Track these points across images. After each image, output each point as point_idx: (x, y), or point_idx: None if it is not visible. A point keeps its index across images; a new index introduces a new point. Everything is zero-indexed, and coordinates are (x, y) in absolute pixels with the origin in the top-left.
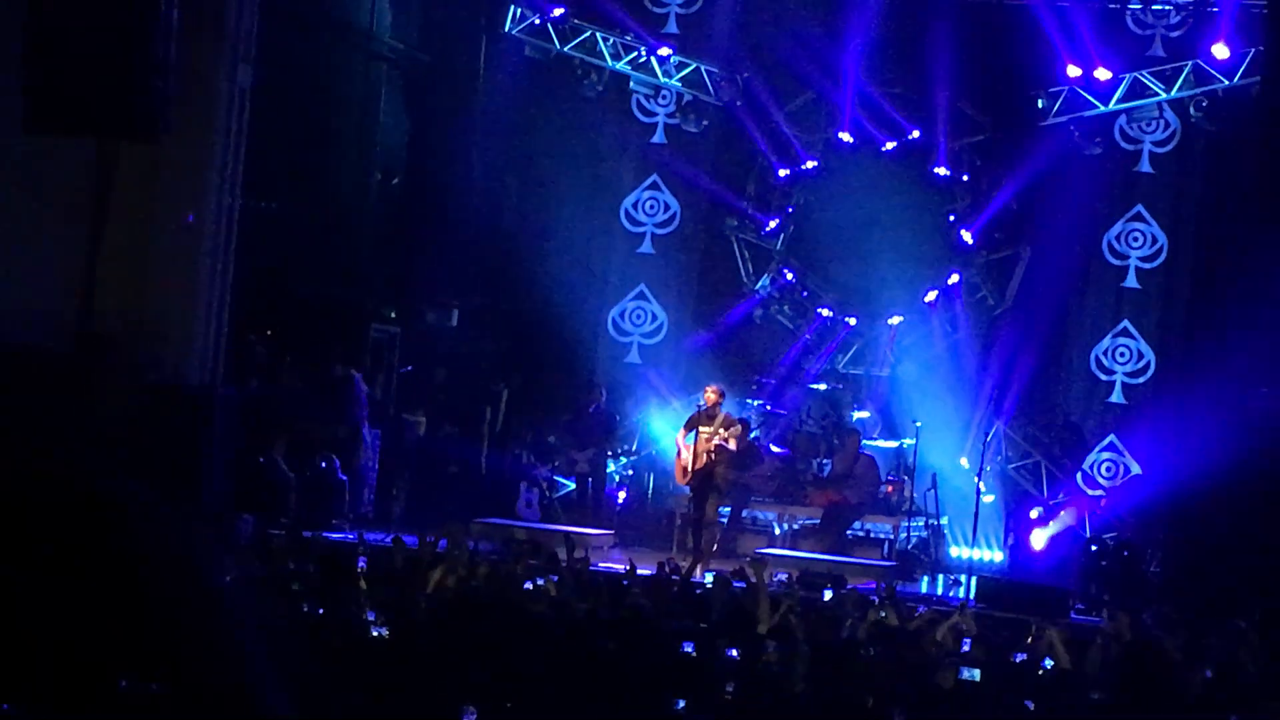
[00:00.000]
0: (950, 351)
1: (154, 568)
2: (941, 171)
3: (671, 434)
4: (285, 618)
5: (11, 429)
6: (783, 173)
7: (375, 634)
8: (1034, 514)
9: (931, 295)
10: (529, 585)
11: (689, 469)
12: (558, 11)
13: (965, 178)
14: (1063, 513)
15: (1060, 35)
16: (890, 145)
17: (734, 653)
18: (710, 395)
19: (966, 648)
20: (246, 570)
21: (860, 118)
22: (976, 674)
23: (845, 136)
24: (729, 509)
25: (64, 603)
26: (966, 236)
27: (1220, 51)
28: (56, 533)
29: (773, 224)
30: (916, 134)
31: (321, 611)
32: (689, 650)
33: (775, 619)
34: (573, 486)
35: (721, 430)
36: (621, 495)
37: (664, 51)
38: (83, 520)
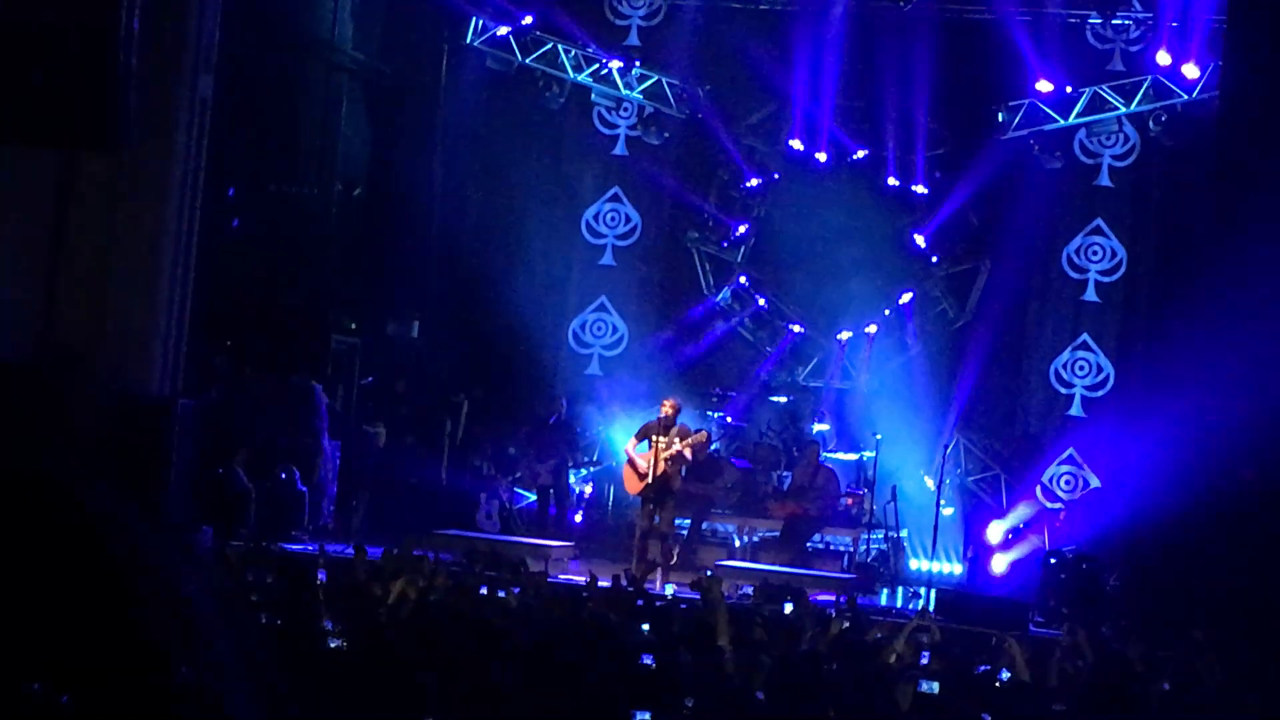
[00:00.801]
0: (910, 364)
1: (123, 575)
2: (901, 185)
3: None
4: (247, 628)
5: None
6: (744, 185)
7: (333, 645)
8: (993, 535)
9: (902, 301)
10: (488, 595)
11: (646, 477)
12: (528, 19)
13: (925, 191)
14: (1028, 539)
15: (1020, 49)
16: (851, 158)
17: (693, 665)
18: (667, 409)
19: (925, 660)
20: (207, 581)
21: (821, 131)
22: (935, 687)
23: (807, 151)
24: (689, 520)
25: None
26: (926, 249)
27: (1190, 71)
28: (17, 539)
29: (734, 236)
30: (876, 148)
31: (280, 622)
32: (648, 662)
33: (733, 632)
34: (534, 498)
35: (678, 440)
36: (580, 511)
37: (623, 64)
38: (47, 527)
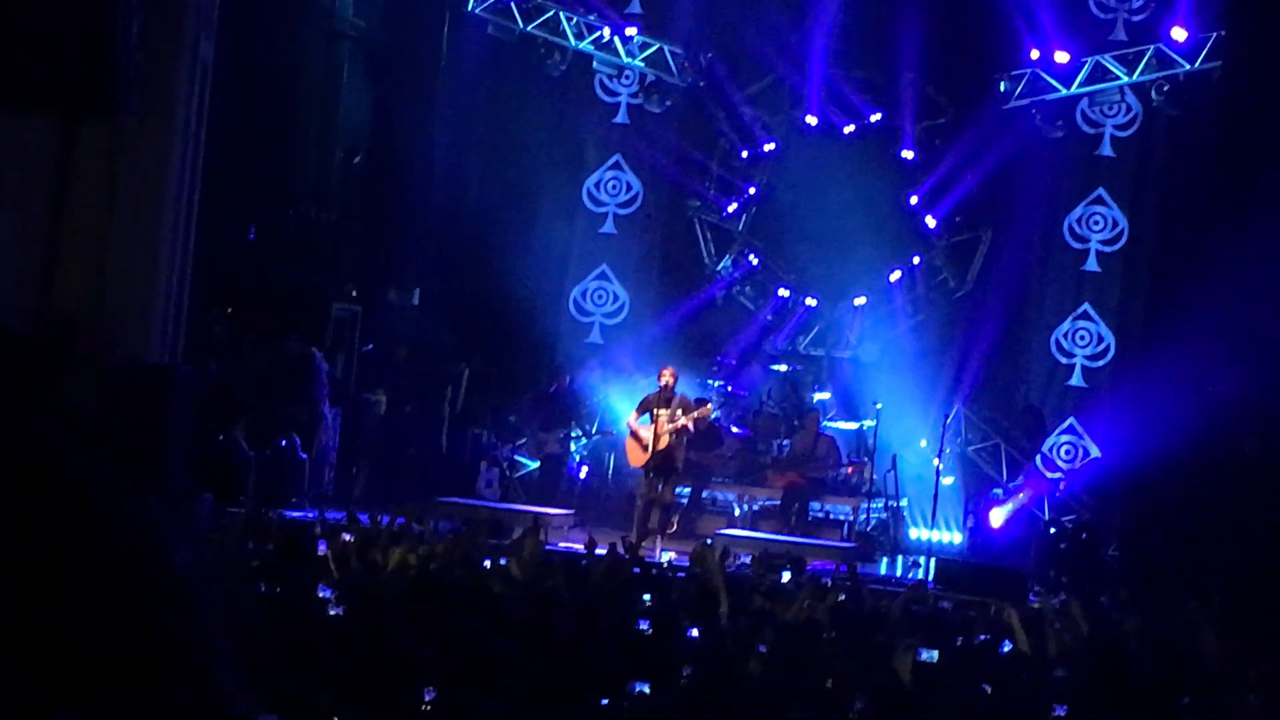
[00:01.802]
0: (911, 334)
1: (113, 546)
2: (903, 154)
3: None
4: (241, 599)
5: None
6: (745, 154)
7: (332, 613)
8: (996, 520)
9: (893, 277)
10: (488, 564)
11: (648, 450)
12: None
13: (927, 160)
14: (1021, 493)
15: (1023, 18)
16: (852, 128)
17: (694, 633)
18: (666, 378)
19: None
20: (205, 550)
21: (823, 100)
22: (935, 655)
23: (809, 119)
24: (689, 489)
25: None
26: (928, 220)
27: (1178, 34)
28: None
29: (735, 205)
30: (878, 116)
31: (279, 590)
32: (645, 629)
33: (731, 601)
34: (534, 466)
35: (679, 412)
36: (583, 472)
37: (629, 32)
38: (40, 496)
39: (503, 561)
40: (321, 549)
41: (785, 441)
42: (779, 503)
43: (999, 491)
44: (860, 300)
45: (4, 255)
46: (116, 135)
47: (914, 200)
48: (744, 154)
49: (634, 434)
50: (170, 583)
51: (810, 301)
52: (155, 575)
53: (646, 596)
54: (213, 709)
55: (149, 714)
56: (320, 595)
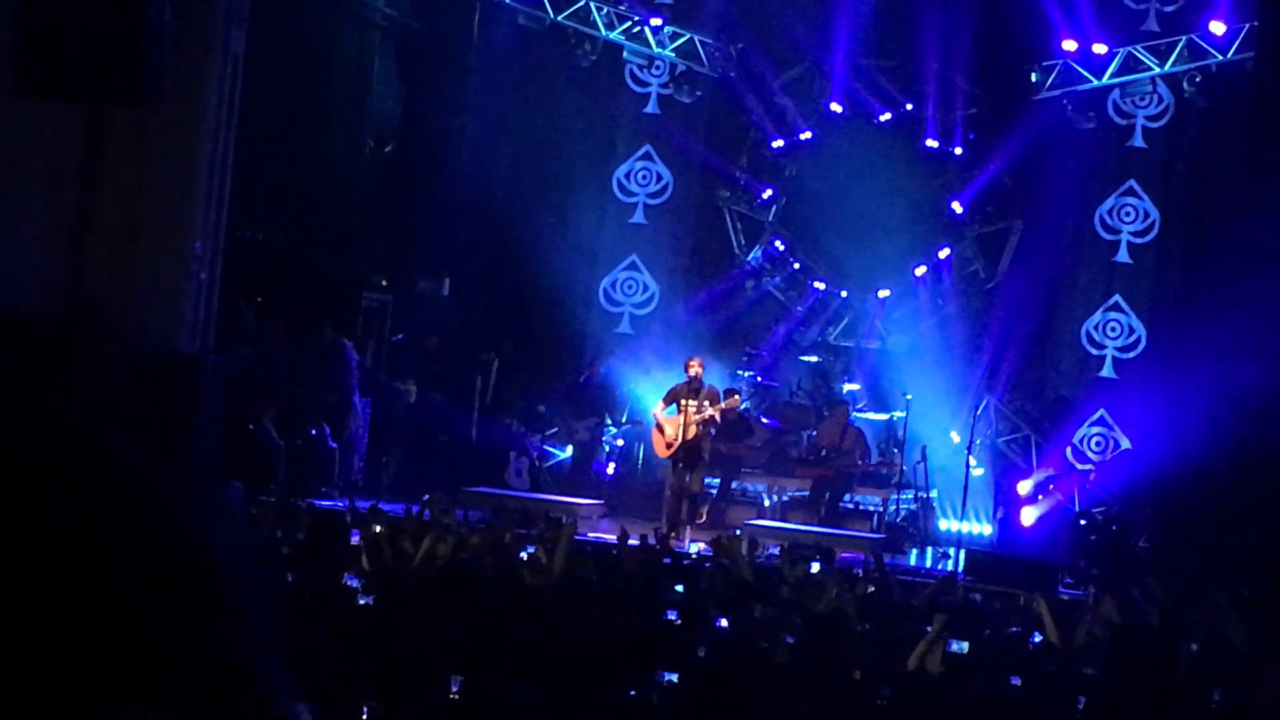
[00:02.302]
0: (941, 325)
1: (151, 529)
2: (934, 144)
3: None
4: (275, 586)
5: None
6: (776, 144)
7: (361, 602)
8: (1023, 489)
9: (922, 269)
10: (517, 553)
11: (676, 441)
12: None
13: (958, 151)
14: (1053, 488)
15: (1055, 8)
16: (884, 118)
17: (722, 623)
18: (694, 368)
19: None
20: (236, 538)
21: (854, 90)
22: (965, 647)
23: (838, 108)
24: (718, 480)
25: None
26: (958, 209)
27: (1217, 27)
28: (42, 493)
29: (765, 195)
30: (910, 106)
31: (309, 580)
32: (674, 619)
33: (758, 592)
34: (563, 455)
35: (707, 403)
36: (611, 466)
37: (657, 22)
38: (76, 480)
39: (530, 550)
40: (355, 538)
41: (813, 432)
42: (808, 494)
43: (1027, 486)
44: (884, 293)
45: (35, 243)
46: (147, 123)
47: (945, 191)
48: (774, 144)
49: (659, 425)
50: (212, 569)
51: (841, 292)
52: (197, 561)
53: (678, 587)
54: (254, 699)
55: (191, 706)
56: (348, 584)
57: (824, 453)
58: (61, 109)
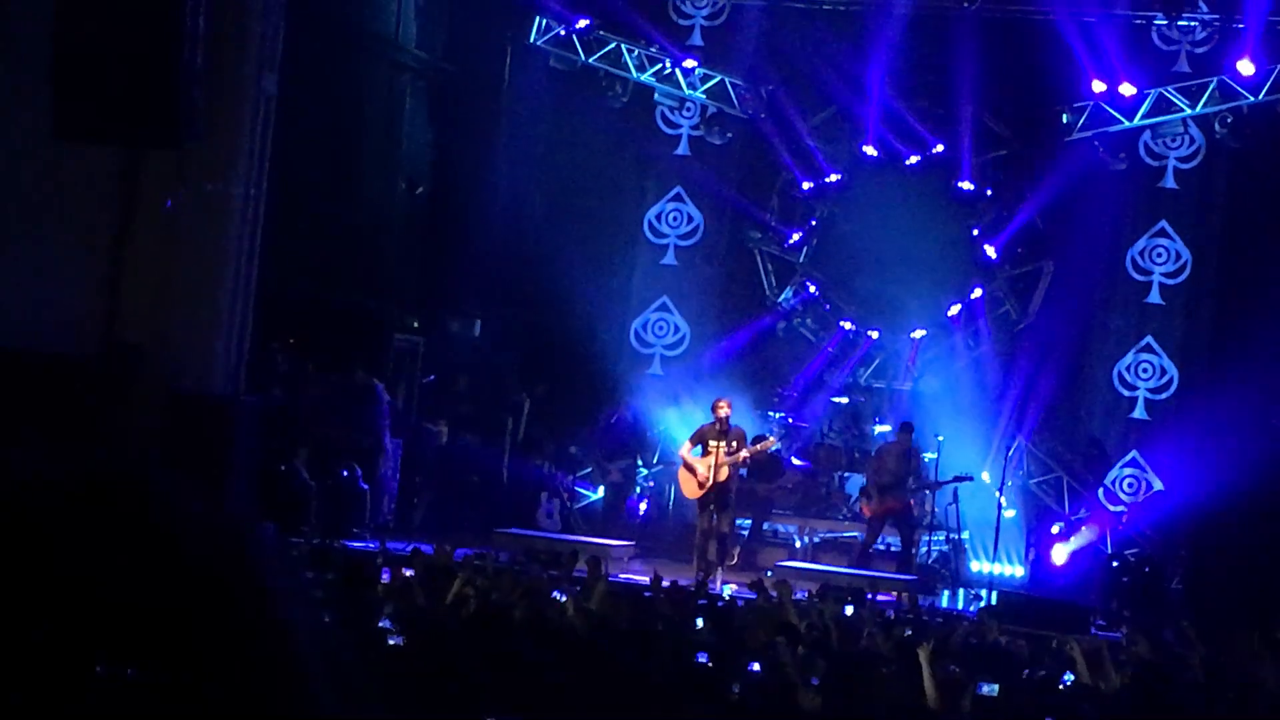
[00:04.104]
0: (972, 366)
1: (203, 567)
2: (965, 185)
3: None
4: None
5: (36, 436)
6: (806, 185)
7: (391, 643)
8: (1056, 530)
9: (954, 309)
10: (548, 595)
11: (706, 484)
12: (583, 23)
13: (989, 192)
14: (1084, 528)
15: (1085, 50)
16: (914, 159)
17: (755, 666)
18: (722, 409)
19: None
20: (288, 580)
21: (884, 131)
22: (995, 689)
23: (869, 150)
24: (749, 520)
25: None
26: (990, 251)
27: (1245, 68)
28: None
29: (796, 237)
30: (940, 148)
31: (341, 620)
32: (705, 661)
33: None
34: (595, 497)
35: (735, 444)
36: (642, 507)
37: (689, 64)
38: (123, 521)
39: (562, 596)
40: (385, 577)
41: (847, 474)
42: (862, 535)
43: (1059, 527)
44: (920, 333)
45: (70, 284)
46: (181, 164)
47: (976, 232)
48: (805, 185)
49: (689, 466)
50: (261, 601)
51: (871, 333)
52: (253, 595)
53: (702, 625)
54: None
55: None
56: (380, 625)
57: (891, 481)
58: (96, 151)
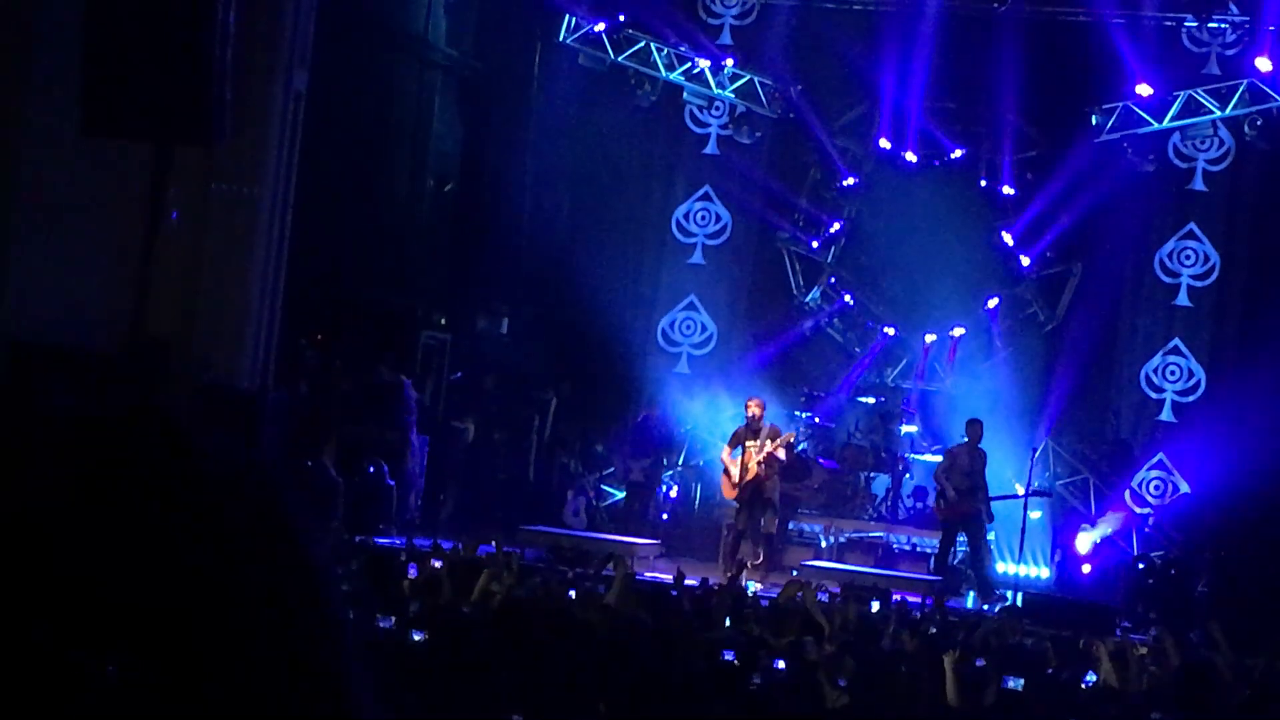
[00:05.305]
0: (1000, 367)
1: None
2: (993, 187)
3: (719, 445)
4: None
5: (65, 434)
6: (835, 185)
7: (415, 638)
8: (1081, 545)
9: (995, 300)
10: (573, 591)
11: (740, 482)
12: (608, 23)
13: (1017, 193)
14: (1109, 514)
15: (1115, 51)
16: (943, 159)
17: (780, 664)
18: (754, 409)
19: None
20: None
21: (913, 132)
22: (1020, 683)
23: (912, 157)
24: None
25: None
26: (1019, 254)
27: (1263, 64)
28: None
29: (824, 236)
30: (968, 149)
31: (363, 615)
32: (730, 659)
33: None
34: (621, 495)
35: (767, 441)
36: (666, 512)
37: (727, 64)
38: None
39: (586, 589)
40: (412, 572)
41: (874, 474)
42: (888, 536)
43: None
44: (959, 330)
45: (99, 279)
46: (210, 161)
47: (1004, 233)
48: (834, 185)
49: (726, 468)
50: (307, 570)
51: (899, 333)
52: (293, 564)
53: (731, 623)
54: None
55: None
56: (402, 620)
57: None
58: (126, 148)
